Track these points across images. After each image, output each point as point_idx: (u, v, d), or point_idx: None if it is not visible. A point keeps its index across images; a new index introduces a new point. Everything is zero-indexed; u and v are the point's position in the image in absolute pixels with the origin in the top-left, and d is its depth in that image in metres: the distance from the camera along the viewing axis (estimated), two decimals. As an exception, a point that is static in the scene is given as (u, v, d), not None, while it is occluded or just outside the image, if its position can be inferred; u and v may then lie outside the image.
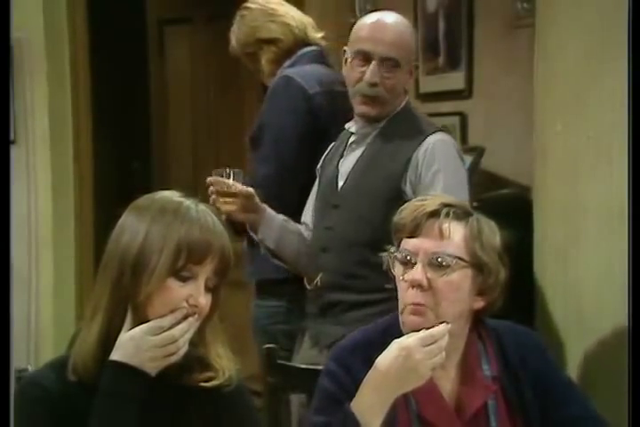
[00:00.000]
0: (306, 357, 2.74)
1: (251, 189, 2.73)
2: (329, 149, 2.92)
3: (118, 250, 1.78)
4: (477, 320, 2.04)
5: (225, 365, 1.85)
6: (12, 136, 4.45)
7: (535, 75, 3.04)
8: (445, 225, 1.96)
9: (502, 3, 3.86)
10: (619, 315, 2.55)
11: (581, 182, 2.81)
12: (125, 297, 1.77)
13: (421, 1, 4.30)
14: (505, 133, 3.84)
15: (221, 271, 1.80)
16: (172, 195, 1.84)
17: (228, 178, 2.71)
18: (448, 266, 1.95)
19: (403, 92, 2.79)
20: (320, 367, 2.15)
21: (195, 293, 1.77)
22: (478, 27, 4.01)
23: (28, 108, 4.50)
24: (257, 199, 2.75)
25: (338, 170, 2.80)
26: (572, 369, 2.73)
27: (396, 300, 2.12)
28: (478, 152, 3.76)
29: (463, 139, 4.07)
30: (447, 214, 1.97)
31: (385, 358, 1.87)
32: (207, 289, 1.79)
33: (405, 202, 2.54)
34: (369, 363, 1.91)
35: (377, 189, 2.68)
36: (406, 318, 1.96)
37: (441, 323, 1.91)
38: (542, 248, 2.98)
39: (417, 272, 1.95)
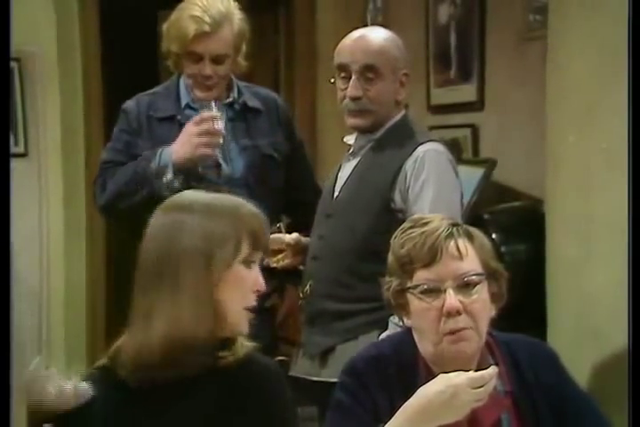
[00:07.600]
0: (299, 366, 2.75)
1: (296, 236, 2.80)
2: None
3: (175, 248, 1.83)
4: (487, 334, 2.03)
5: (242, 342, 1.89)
6: (23, 148, 4.47)
7: (547, 87, 3.03)
8: (461, 244, 1.95)
9: (514, 15, 3.86)
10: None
11: (594, 194, 2.80)
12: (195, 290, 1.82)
13: (433, 13, 4.31)
14: (517, 145, 3.83)
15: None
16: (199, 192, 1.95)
17: (278, 232, 2.80)
18: (476, 284, 1.94)
19: (394, 103, 2.72)
20: (332, 380, 2.14)
21: (258, 276, 1.89)
22: (490, 39, 4.01)
23: (40, 121, 4.51)
24: (303, 240, 2.82)
25: (336, 181, 2.81)
26: (586, 384, 2.71)
27: (383, 310, 2.17)
28: (490, 164, 3.75)
29: (475, 151, 4.07)
30: (459, 233, 1.97)
31: (428, 391, 1.85)
32: None
33: (394, 211, 2.56)
34: (383, 378, 1.92)
35: (368, 200, 2.67)
36: (451, 347, 1.93)
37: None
38: (555, 261, 2.97)
39: (452, 299, 1.92)
